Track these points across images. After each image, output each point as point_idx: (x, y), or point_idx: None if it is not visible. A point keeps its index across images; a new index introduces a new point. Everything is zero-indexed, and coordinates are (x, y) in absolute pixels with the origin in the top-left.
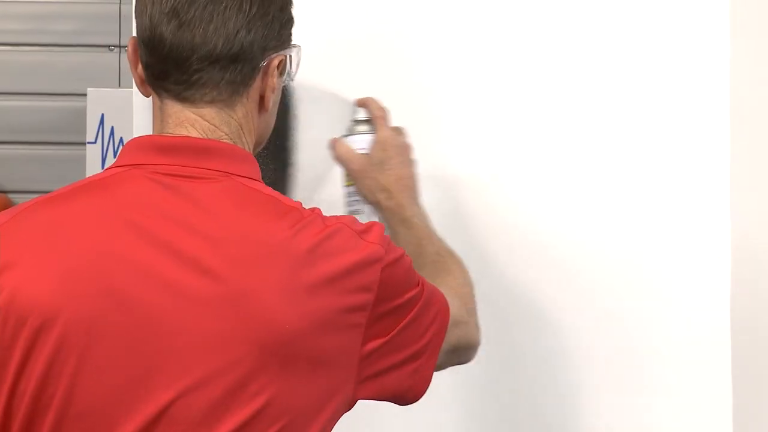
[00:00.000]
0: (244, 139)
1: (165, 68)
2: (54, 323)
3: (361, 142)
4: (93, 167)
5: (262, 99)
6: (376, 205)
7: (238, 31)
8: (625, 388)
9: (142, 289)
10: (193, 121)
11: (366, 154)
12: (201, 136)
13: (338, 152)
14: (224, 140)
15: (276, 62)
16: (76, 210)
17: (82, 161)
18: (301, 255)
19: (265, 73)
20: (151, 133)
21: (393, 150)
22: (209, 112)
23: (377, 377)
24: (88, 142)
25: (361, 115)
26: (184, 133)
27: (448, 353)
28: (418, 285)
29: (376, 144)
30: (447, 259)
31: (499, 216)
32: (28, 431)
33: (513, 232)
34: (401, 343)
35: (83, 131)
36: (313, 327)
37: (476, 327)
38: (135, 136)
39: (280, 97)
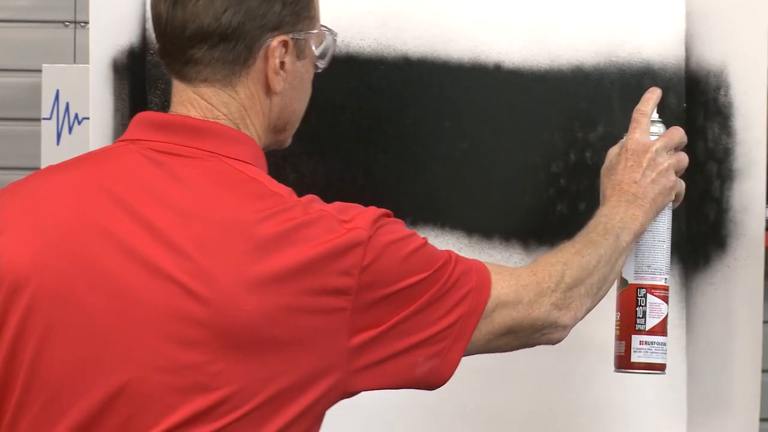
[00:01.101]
0: (248, 121)
1: (165, 46)
2: (24, 290)
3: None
4: (48, 143)
5: (267, 81)
6: None
7: (226, 9)
8: None
9: (113, 262)
10: (193, 100)
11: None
12: (199, 116)
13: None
14: (221, 121)
15: (276, 43)
16: (66, 180)
17: (37, 137)
18: (265, 238)
19: (266, 55)
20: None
21: (625, 154)
22: (206, 91)
23: (379, 365)
24: (43, 118)
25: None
26: (184, 112)
27: (499, 336)
28: (432, 268)
29: (620, 148)
30: (573, 245)
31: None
32: (2, 397)
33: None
34: (410, 329)
35: (38, 107)
36: (278, 311)
37: (554, 306)
38: (91, 111)
39: (303, 80)
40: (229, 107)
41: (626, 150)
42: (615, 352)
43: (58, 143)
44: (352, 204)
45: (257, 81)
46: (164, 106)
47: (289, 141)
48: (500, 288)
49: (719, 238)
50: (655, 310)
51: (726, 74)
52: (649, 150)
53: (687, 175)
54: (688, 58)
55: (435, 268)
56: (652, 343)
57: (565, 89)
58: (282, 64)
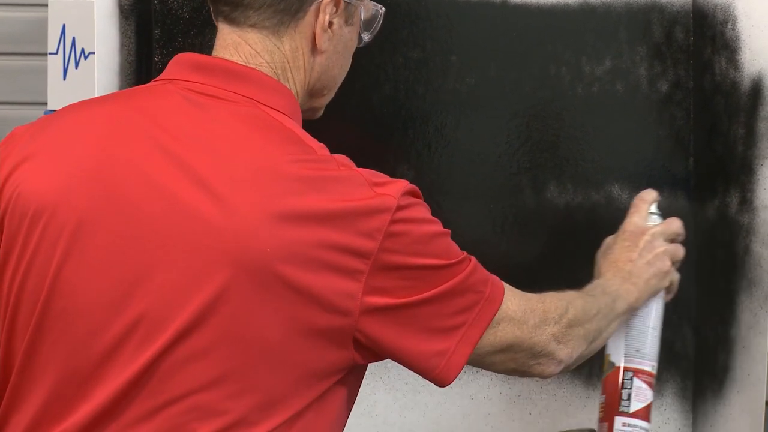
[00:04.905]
0: (289, 74)
1: None
2: (42, 216)
3: None
4: (55, 78)
5: (314, 38)
6: None
7: None
8: None
9: (142, 197)
10: (237, 44)
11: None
12: (241, 61)
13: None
14: (262, 68)
15: (328, 0)
16: (99, 114)
17: (43, 72)
18: (292, 177)
19: (317, 10)
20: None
21: (623, 235)
22: (252, 36)
23: (389, 338)
24: (50, 53)
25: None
26: (227, 56)
27: (498, 350)
28: (451, 260)
29: (618, 231)
30: (576, 292)
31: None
32: (14, 322)
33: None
34: (421, 315)
35: (44, 42)
36: (295, 252)
37: (554, 337)
38: (96, 47)
39: (347, 48)
40: (273, 56)
41: (624, 231)
42: None
43: (64, 78)
44: (383, 174)
45: (304, 36)
46: (169, 42)
47: (321, 111)
48: (510, 303)
49: (726, 172)
50: (640, 394)
51: (733, 7)
52: (646, 233)
53: (694, 108)
54: None
55: (454, 261)
56: (635, 426)
57: (572, 23)
58: (330, 23)
